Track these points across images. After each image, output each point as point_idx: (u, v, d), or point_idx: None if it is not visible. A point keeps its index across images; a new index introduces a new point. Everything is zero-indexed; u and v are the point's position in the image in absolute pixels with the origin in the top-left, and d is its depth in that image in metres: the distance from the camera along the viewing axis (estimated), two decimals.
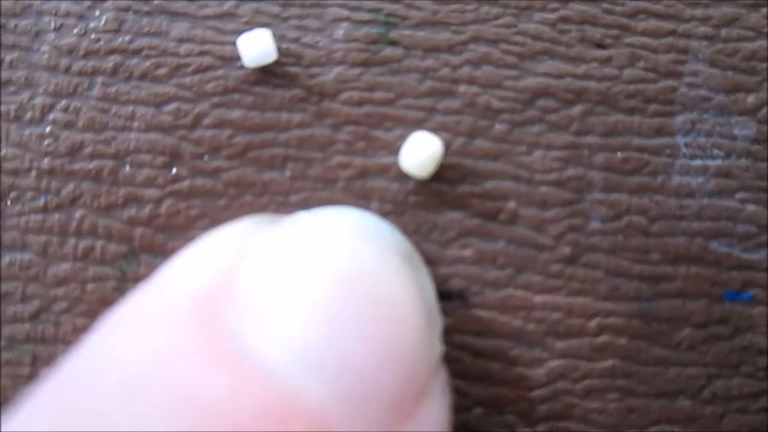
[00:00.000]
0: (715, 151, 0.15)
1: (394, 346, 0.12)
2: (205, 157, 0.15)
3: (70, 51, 0.15)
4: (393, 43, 0.16)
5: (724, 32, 0.16)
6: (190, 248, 0.13)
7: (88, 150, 0.15)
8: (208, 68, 0.15)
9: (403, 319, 0.12)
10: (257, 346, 0.11)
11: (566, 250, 0.15)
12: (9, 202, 0.15)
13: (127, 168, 0.15)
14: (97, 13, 0.16)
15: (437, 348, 0.13)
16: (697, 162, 0.15)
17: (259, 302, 0.11)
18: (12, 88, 0.15)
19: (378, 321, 0.12)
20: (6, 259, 0.15)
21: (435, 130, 0.15)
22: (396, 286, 0.12)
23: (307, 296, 0.11)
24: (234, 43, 0.15)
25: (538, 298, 0.15)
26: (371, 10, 0.16)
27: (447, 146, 0.15)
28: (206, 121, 0.15)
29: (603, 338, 0.15)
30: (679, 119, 0.15)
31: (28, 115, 0.15)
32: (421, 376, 0.12)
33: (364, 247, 0.12)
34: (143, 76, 0.15)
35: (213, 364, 0.11)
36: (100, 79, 0.15)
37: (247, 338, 0.11)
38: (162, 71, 0.15)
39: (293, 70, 0.15)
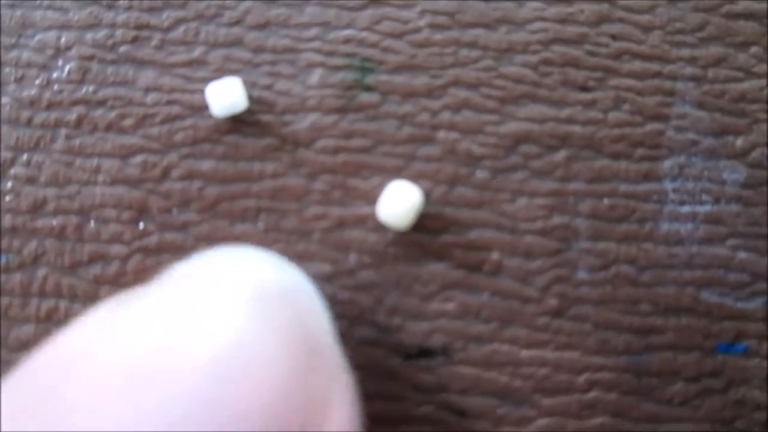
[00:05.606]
0: (704, 197, 0.15)
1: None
2: (174, 211, 0.15)
3: (32, 103, 0.15)
4: (369, 88, 0.15)
5: (711, 73, 0.15)
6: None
7: (51, 206, 0.15)
8: (177, 118, 0.15)
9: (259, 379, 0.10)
10: None
11: (553, 302, 0.15)
12: None
13: (92, 224, 0.15)
14: (60, 62, 0.15)
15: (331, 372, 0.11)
16: (686, 208, 0.15)
17: None
18: None
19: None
20: None
21: (414, 178, 0.15)
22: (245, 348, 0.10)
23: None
24: (203, 91, 0.15)
25: (525, 353, 0.15)
26: (346, 55, 0.15)
27: (427, 195, 0.15)
28: (175, 173, 0.15)
29: (592, 394, 0.14)
30: (667, 164, 0.15)
31: None
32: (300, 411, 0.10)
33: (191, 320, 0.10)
34: (109, 128, 0.15)
35: None
36: (63, 132, 0.15)
37: None
38: (128, 122, 0.15)
39: (266, 118, 0.15)
